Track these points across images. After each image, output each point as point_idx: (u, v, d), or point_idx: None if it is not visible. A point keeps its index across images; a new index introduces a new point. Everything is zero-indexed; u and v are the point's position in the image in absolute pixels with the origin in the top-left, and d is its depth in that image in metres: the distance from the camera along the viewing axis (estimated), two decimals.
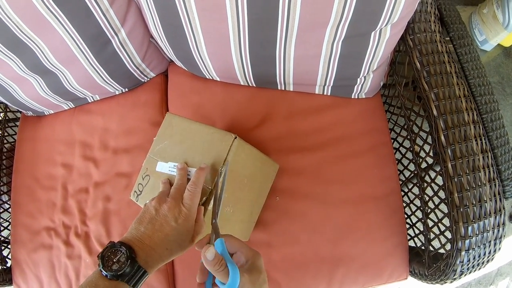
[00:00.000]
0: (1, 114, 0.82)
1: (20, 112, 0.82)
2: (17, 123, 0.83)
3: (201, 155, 0.49)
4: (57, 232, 0.71)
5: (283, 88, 0.65)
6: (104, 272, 0.36)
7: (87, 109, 0.75)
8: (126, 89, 0.73)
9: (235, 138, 0.48)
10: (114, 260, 0.37)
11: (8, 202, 0.81)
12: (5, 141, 0.83)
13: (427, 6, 0.61)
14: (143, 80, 0.73)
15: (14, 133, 0.86)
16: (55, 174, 0.73)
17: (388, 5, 0.47)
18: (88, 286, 0.36)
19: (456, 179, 0.51)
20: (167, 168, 0.52)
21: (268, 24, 0.50)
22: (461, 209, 0.49)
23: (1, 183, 0.81)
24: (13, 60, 0.60)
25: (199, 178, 0.45)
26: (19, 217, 0.75)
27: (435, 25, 0.60)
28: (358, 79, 0.60)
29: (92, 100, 0.75)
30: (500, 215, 0.52)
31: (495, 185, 0.53)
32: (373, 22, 0.50)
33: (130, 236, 0.40)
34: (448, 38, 0.65)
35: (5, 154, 0.82)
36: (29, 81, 0.66)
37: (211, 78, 0.68)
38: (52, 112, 0.78)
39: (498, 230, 0.51)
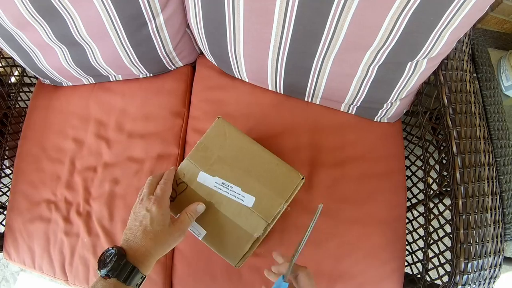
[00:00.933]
0: (17, 78, 0.80)
1: (37, 78, 0.80)
2: (32, 89, 0.81)
3: (260, 183, 0.48)
4: (57, 206, 0.69)
5: (309, 100, 0.66)
6: (99, 272, 0.41)
7: (107, 88, 0.74)
8: (151, 74, 0.72)
9: (303, 178, 0.47)
10: (107, 261, 0.41)
11: (10, 168, 0.78)
12: (16, 105, 0.81)
13: (463, 45, 0.62)
14: (170, 68, 0.72)
15: (27, 98, 0.84)
16: (65, 148, 0.72)
17: (431, 39, 0.48)
18: None
19: (464, 216, 0.52)
20: (213, 182, 0.49)
21: (312, 37, 0.50)
22: (465, 245, 0.51)
23: (6, 147, 0.79)
24: (42, 27, 0.59)
25: (169, 175, 0.50)
26: (20, 185, 0.73)
27: (467, 65, 0.61)
28: (385, 104, 0.61)
29: (114, 79, 0.73)
30: (499, 256, 0.54)
31: (498, 227, 0.55)
32: (412, 53, 0.51)
33: (121, 241, 0.44)
34: (476, 77, 0.66)
35: (14, 118, 0.80)
36: (54, 50, 0.64)
37: (239, 77, 0.67)
38: (71, 84, 0.76)
39: (494, 270, 0.53)
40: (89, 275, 0.66)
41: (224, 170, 0.49)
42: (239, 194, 0.49)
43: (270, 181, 0.48)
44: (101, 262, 0.42)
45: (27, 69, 0.73)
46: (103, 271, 0.40)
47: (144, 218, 0.44)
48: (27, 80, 0.84)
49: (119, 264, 0.40)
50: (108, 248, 0.43)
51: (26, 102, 0.84)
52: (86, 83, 0.75)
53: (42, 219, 0.70)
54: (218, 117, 0.53)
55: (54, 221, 0.69)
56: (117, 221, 0.64)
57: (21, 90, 0.82)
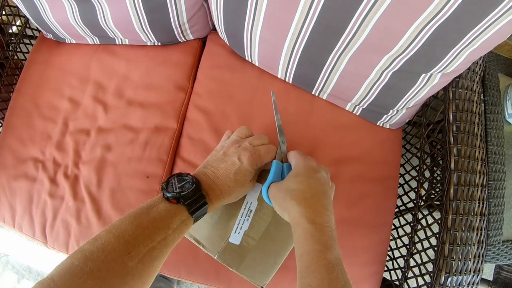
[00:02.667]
0: (20, 28, 0.76)
1: (39, 31, 0.76)
2: (33, 42, 0.77)
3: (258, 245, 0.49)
4: (45, 166, 0.67)
5: (316, 94, 0.65)
6: (166, 194, 0.38)
7: (112, 50, 0.71)
8: (159, 43, 0.69)
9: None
10: (178, 186, 0.39)
11: (0, 120, 0.75)
12: (15, 57, 0.77)
13: (476, 66, 0.62)
14: (180, 40, 0.69)
15: (26, 51, 0.80)
16: (59, 106, 0.69)
17: (449, 55, 0.48)
18: (148, 206, 0.37)
19: (452, 232, 0.53)
20: (250, 201, 0.49)
21: (333, 33, 0.49)
22: (448, 260, 0.52)
23: None
24: None
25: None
26: (8, 140, 0.70)
27: (477, 86, 0.61)
28: (391, 110, 0.61)
29: (121, 43, 0.70)
30: (477, 275, 0.55)
31: (481, 247, 0.56)
32: (429, 65, 0.51)
33: (197, 171, 0.43)
34: (482, 100, 0.67)
35: (10, 70, 0.76)
36: (63, 4, 0.61)
37: (250, 60, 0.66)
38: (74, 42, 0.73)
39: None
40: (69, 240, 0.64)
41: (264, 213, 0.49)
42: (240, 229, 0.49)
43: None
44: (171, 185, 0.39)
45: (31, 20, 0.69)
46: (173, 195, 0.37)
47: (233, 165, 0.42)
48: (29, 32, 0.80)
49: (196, 193, 0.38)
50: (181, 172, 0.41)
51: (25, 54, 0.80)
52: (90, 42, 0.72)
53: (27, 177, 0.68)
54: None
55: (40, 181, 0.67)
56: (105, 189, 0.63)
57: (21, 41, 0.78)
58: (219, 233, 0.49)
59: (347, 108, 0.65)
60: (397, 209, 0.74)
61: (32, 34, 0.81)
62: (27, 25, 0.78)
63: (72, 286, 0.29)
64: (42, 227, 0.66)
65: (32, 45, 0.78)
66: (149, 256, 0.34)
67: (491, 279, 0.78)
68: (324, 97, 0.65)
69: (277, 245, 0.49)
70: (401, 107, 0.60)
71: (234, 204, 0.49)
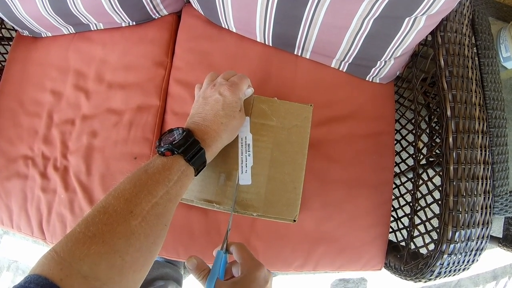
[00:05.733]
0: None
1: (16, 31, 0.76)
2: (11, 43, 0.77)
3: (266, 185, 0.47)
4: (34, 162, 0.66)
5: (299, 54, 0.63)
6: (160, 149, 0.38)
7: (87, 37, 0.70)
8: (134, 23, 0.68)
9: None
10: (170, 139, 0.38)
11: None
12: None
13: (463, 8, 0.59)
14: (154, 16, 0.68)
15: (5, 51, 0.79)
16: (42, 101, 0.68)
17: None
18: (145, 165, 0.37)
19: (455, 183, 0.50)
20: (244, 134, 0.48)
21: None
22: (453, 213, 0.49)
23: None
24: None
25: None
26: None
27: (467, 29, 0.58)
28: (378, 62, 0.58)
29: (95, 28, 0.69)
30: (487, 228, 0.52)
31: (488, 198, 0.53)
32: (411, 8, 0.48)
33: (186, 124, 0.42)
34: (474, 44, 0.64)
35: None
36: None
37: (226, 27, 0.64)
38: (50, 34, 0.72)
39: (481, 242, 0.52)
40: (66, 232, 0.64)
41: (263, 141, 0.48)
42: (246, 167, 0.47)
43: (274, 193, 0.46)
44: (163, 141, 0.39)
45: (4, 18, 0.69)
46: (166, 147, 0.37)
47: (217, 102, 0.42)
48: (6, 34, 0.80)
49: (187, 139, 0.37)
50: (172, 128, 0.40)
51: (4, 55, 0.79)
52: (66, 32, 0.70)
53: (19, 175, 0.67)
54: (311, 105, 0.51)
55: (31, 178, 0.66)
56: (95, 176, 0.62)
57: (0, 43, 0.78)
58: (226, 183, 0.46)
59: (332, 65, 0.63)
60: (397, 169, 0.71)
61: (9, 35, 0.80)
62: (3, 26, 0.77)
63: (76, 253, 0.28)
64: (39, 223, 0.66)
65: (10, 45, 0.77)
66: (153, 213, 0.33)
67: (501, 237, 0.74)
68: (307, 56, 0.63)
69: (289, 167, 0.47)
70: (388, 57, 0.57)
71: (231, 148, 0.47)
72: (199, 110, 0.42)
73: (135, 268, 0.31)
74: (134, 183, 0.34)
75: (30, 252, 1.10)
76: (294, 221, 0.46)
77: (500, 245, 0.76)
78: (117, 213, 0.31)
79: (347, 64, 0.61)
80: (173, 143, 0.37)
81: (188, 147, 0.37)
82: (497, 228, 1.10)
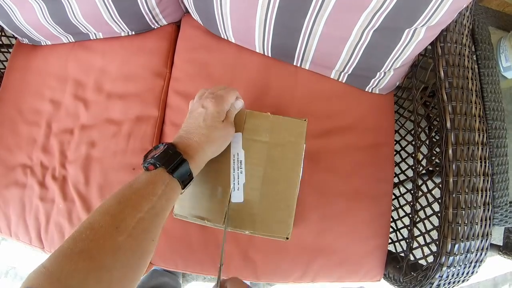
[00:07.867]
0: None
1: (15, 38, 0.76)
2: (10, 50, 0.77)
3: (261, 200, 0.46)
4: (33, 171, 0.66)
5: (298, 65, 0.63)
6: (144, 164, 0.39)
7: (87, 46, 0.69)
8: (133, 32, 0.68)
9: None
10: (154, 153, 0.39)
11: None
12: None
13: (463, 19, 0.59)
14: (153, 26, 0.68)
15: (5, 59, 0.79)
16: (41, 109, 0.68)
17: (431, 6, 0.45)
18: (131, 181, 0.37)
19: (454, 195, 0.50)
20: (236, 150, 0.47)
21: None
22: (453, 226, 0.49)
23: None
24: None
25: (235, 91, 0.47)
26: None
27: (467, 39, 0.58)
28: (378, 73, 0.58)
29: (95, 38, 0.69)
30: (486, 239, 0.52)
31: (488, 209, 0.53)
32: (411, 19, 0.48)
33: (174, 138, 0.43)
34: (474, 54, 0.64)
35: None
36: (31, 5, 0.60)
37: (226, 38, 0.64)
38: (50, 43, 0.72)
39: (481, 254, 0.52)
40: None
41: (256, 158, 0.47)
42: (238, 184, 0.46)
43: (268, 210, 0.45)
44: (148, 156, 0.40)
45: (4, 26, 0.69)
46: (149, 161, 0.38)
47: (200, 115, 0.43)
48: (6, 41, 0.80)
49: (168, 153, 0.38)
50: (157, 144, 0.42)
51: (4, 63, 0.79)
52: (65, 41, 0.70)
53: (18, 184, 0.67)
54: (305, 119, 0.49)
55: (30, 187, 0.66)
56: (93, 186, 0.62)
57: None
58: (218, 199, 0.46)
59: (332, 76, 0.62)
60: (396, 179, 0.71)
61: (9, 43, 0.80)
62: (3, 34, 0.77)
63: (65, 269, 0.28)
64: (37, 233, 0.65)
65: (9, 53, 0.77)
66: (139, 228, 0.33)
67: (501, 244, 0.74)
68: (307, 67, 0.62)
69: (282, 185, 0.46)
70: (388, 68, 0.57)
71: (223, 165, 0.47)
72: (184, 124, 0.44)
73: (124, 283, 0.31)
74: (119, 199, 0.34)
75: (28, 258, 1.09)
76: (287, 238, 0.45)
77: (500, 253, 0.76)
78: (103, 229, 0.31)
79: (346, 75, 0.60)
80: (155, 156, 0.38)
81: (169, 159, 0.38)
82: (497, 235, 1.09)
